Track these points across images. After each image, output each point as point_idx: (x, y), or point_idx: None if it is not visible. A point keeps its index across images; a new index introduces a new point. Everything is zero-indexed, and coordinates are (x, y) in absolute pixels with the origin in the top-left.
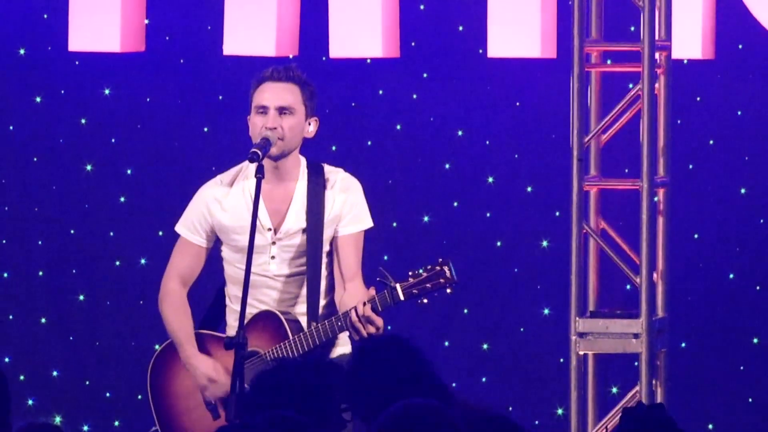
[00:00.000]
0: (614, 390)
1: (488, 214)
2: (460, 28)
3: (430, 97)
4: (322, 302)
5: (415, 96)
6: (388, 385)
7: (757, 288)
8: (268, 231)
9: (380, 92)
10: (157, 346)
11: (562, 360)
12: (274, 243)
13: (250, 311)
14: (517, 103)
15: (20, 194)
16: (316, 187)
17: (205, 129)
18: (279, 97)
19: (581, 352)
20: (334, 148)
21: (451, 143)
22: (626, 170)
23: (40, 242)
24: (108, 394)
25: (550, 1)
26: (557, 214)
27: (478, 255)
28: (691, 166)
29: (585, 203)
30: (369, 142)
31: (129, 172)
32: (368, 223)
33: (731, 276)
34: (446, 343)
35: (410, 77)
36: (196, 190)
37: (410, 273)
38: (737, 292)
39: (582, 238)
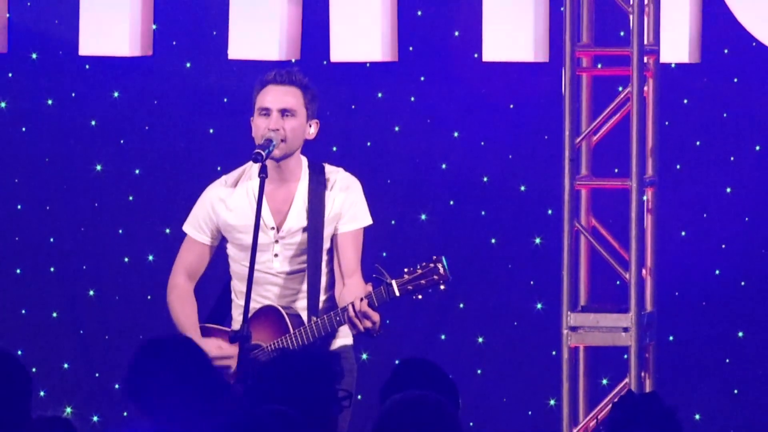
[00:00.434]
0: (605, 382)
1: (483, 213)
2: (456, 33)
3: (427, 99)
4: (323, 297)
5: (412, 98)
6: None
7: (742, 283)
8: (271, 230)
9: (379, 95)
10: None
11: (554, 353)
12: (276, 241)
13: (254, 306)
14: (511, 106)
15: (33, 193)
16: (317, 186)
17: (211, 130)
18: (281, 100)
19: (573, 345)
20: (334, 148)
21: (447, 144)
22: (616, 170)
23: (51, 239)
24: (117, 386)
25: (543, 7)
26: (550, 212)
27: (473, 252)
28: (678, 166)
29: (576, 202)
30: (368, 143)
31: (137, 172)
32: (367, 220)
33: (717, 272)
34: (443, 337)
35: (408, 80)
36: (202, 190)
37: (405, 270)
38: (723, 287)
39: (574, 236)
